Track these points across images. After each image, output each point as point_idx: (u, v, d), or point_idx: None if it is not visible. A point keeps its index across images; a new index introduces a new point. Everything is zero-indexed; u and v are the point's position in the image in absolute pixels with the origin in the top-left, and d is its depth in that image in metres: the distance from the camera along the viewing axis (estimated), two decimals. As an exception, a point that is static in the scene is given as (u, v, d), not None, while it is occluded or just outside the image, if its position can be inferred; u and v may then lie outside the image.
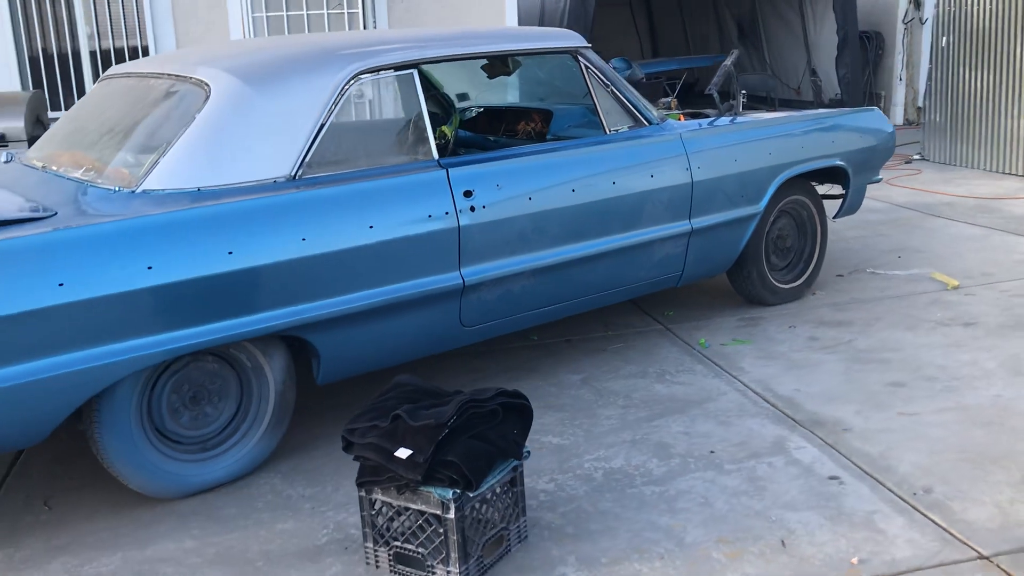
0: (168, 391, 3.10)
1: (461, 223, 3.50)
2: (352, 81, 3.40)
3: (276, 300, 3.10)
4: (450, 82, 4.88)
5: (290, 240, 3.10)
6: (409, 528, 2.54)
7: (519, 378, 4.06)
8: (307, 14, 6.94)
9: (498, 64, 4.50)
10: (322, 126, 3.32)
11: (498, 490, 2.60)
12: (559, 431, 3.52)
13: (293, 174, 3.25)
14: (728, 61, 4.79)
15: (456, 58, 3.78)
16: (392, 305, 3.37)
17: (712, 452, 3.29)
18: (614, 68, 8.93)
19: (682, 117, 4.87)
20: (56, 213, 2.94)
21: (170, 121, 3.27)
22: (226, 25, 7.04)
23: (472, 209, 3.53)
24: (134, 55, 6.97)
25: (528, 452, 2.69)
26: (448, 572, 2.50)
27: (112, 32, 6.94)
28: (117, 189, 3.10)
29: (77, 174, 3.30)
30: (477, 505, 2.53)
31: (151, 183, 3.09)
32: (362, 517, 2.61)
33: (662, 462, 3.23)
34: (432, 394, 2.71)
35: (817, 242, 5.04)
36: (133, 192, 3.07)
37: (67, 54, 6.82)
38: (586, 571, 2.58)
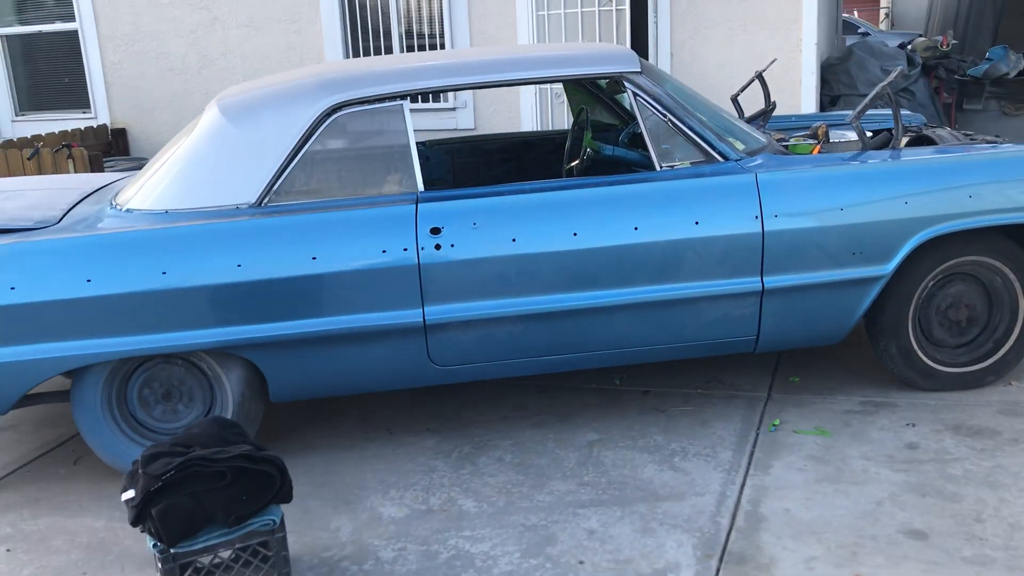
0: (139, 385, 3.54)
1: (422, 261, 3.38)
2: (331, 113, 3.46)
3: (211, 320, 3.34)
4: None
5: (225, 265, 3.31)
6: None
7: (535, 424, 3.80)
8: (581, 11, 6.88)
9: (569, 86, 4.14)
10: (293, 156, 3.44)
11: (224, 553, 2.59)
12: (482, 496, 3.27)
13: (258, 201, 3.43)
14: (891, 79, 3.77)
15: (467, 87, 3.60)
16: (340, 336, 3.41)
17: (581, 563, 2.83)
18: (988, 58, 7.43)
19: (817, 149, 4.00)
20: (55, 224, 3.50)
21: (176, 148, 3.65)
22: (514, 23, 7.28)
23: (437, 247, 3.39)
24: (433, 48, 7.57)
25: (272, 521, 2.62)
26: (171, 619, 2.58)
27: (415, 32, 7.60)
28: (114, 206, 3.58)
29: (124, 192, 3.82)
30: (202, 562, 2.55)
31: (134, 203, 3.51)
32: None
33: (518, 558, 2.87)
34: (224, 440, 2.75)
35: (1019, 318, 3.83)
36: (123, 210, 3.52)
37: (382, 53, 7.63)
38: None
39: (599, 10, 6.74)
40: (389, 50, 7.59)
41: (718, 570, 2.74)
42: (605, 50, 3.71)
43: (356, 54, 7.68)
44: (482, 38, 7.31)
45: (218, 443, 2.71)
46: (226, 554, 2.60)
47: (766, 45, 6.78)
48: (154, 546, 2.51)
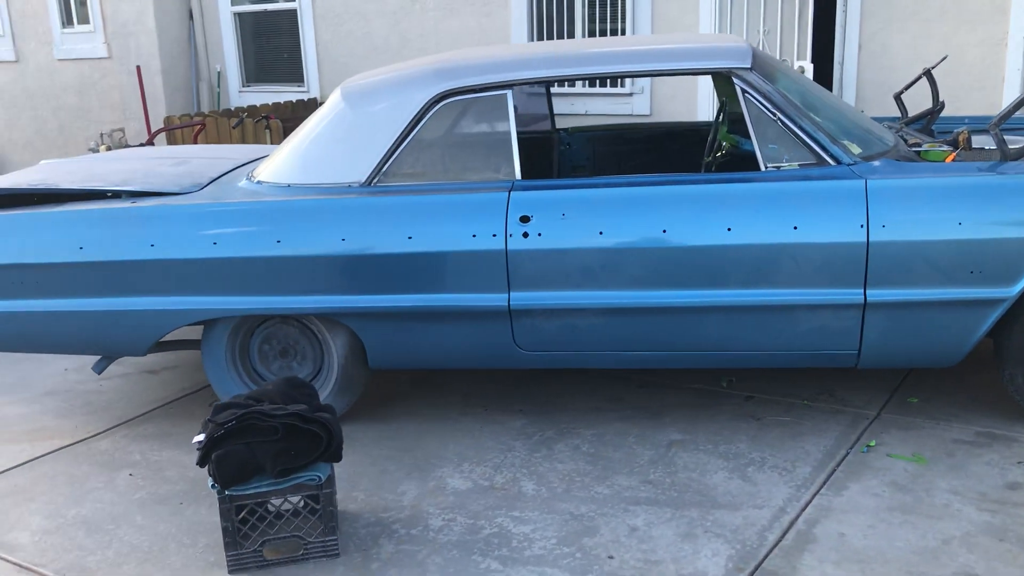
0: (260, 341, 3.89)
1: (509, 247, 3.49)
2: (438, 101, 3.62)
3: (317, 288, 3.61)
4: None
5: (331, 238, 3.57)
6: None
7: (623, 418, 3.82)
8: (764, -3, 6.63)
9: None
10: (402, 140, 3.64)
11: (276, 502, 2.84)
12: (544, 480, 3.36)
13: (367, 181, 3.67)
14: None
15: (572, 78, 3.65)
16: (431, 313, 3.59)
17: (611, 557, 2.85)
18: None
19: (951, 157, 3.70)
20: (197, 191, 3.89)
21: (306, 126, 3.95)
22: (697, 8, 7.13)
23: (525, 235, 3.48)
24: (614, 34, 7.53)
25: (318, 477, 2.83)
26: (228, 555, 2.87)
27: (598, 16, 7.62)
28: (250, 178, 3.93)
29: (261, 165, 4.16)
30: (256, 506, 2.83)
31: (264, 176, 3.85)
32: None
33: (553, 544, 2.93)
34: (290, 399, 3.01)
35: None
36: (255, 182, 3.87)
37: (564, 37, 7.72)
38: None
39: (783, -4, 6.48)
40: (572, 35, 7.67)
41: (744, 584, 2.68)
42: (717, 44, 3.63)
43: (540, 37, 7.83)
44: (664, 22, 7.24)
45: (284, 400, 2.96)
46: (277, 502, 2.85)
47: (966, 39, 6.26)
48: (212, 486, 2.80)
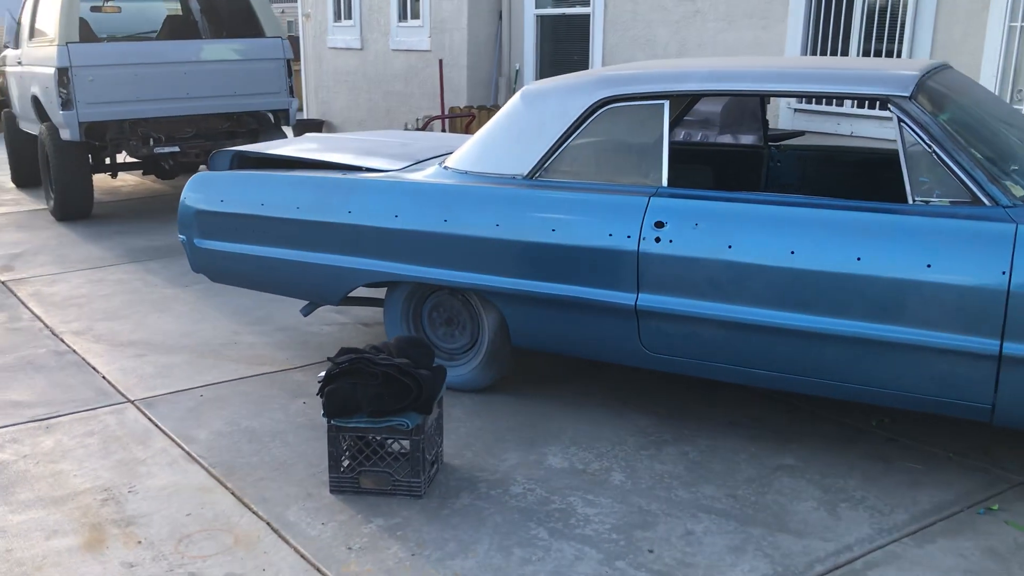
0: (430, 308, 4.38)
1: (641, 250, 3.67)
2: (600, 106, 3.86)
3: (471, 266, 4.00)
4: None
5: (487, 223, 3.95)
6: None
7: (750, 437, 3.83)
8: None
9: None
10: (565, 140, 3.93)
11: (377, 437, 3.28)
12: (634, 475, 3.50)
13: (529, 174, 4.00)
14: None
15: (726, 93, 3.71)
16: (565, 302, 3.85)
17: (651, 551, 2.97)
18: None
19: None
20: (397, 170, 4.43)
21: (490, 121, 4.34)
22: (983, 32, 6.60)
23: (657, 240, 3.64)
24: (890, 56, 7.10)
25: (406, 423, 3.21)
26: (330, 476, 3.37)
27: (875, 36, 7.26)
28: (441, 163, 4.40)
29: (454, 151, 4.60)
30: (358, 439, 3.30)
31: (450, 162, 4.30)
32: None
33: (606, 529, 3.09)
34: (405, 354, 3.43)
35: None
36: (442, 167, 4.34)
37: (837, 53, 7.45)
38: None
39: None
40: (846, 52, 7.42)
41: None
42: (881, 71, 3.51)
43: (814, 53, 7.64)
44: (946, 45, 6.80)
45: (399, 355, 3.39)
46: (376, 439, 3.28)
47: None
48: (323, 415, 3.30)
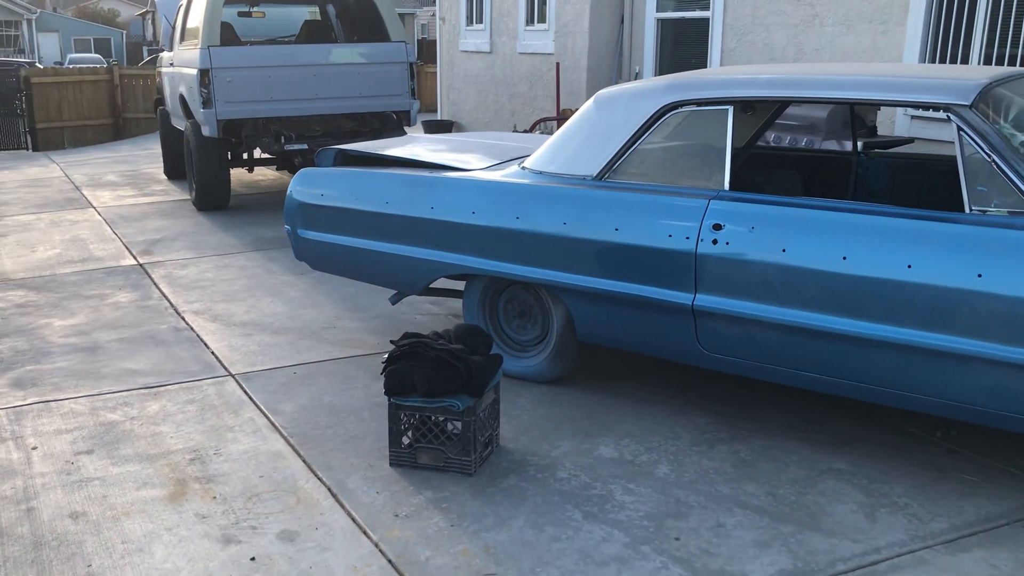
0: (504, 301, 4.61)
1: (699, 251, 3.78)
2: (667, 111, 3.98)
3: (539, 261, 4.20)
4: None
5: (554, 221, 4.14)
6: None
7: (804, 440, 3.87)
8: None
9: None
10: (633, 142, 4.07)
11: (436, 418, 3.52)
12: (680, 469, 3.62)
13: (599, 175, 4.16)
14: None
15: (794, 100, 3.76)
16: (627, 299, 4.00)
17: (677, 539, 3.09)
18: None
19: None
20: (478, 169, 4.67)
21: (566, 124, 4.52)
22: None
23: (715, 242, 3.74)
24: (1014, 63, 6.79)
25: (456, 405, 3.44)
26: (390, 450, 3.64)
27: (997, 41, 6.99)
28: (520, 164, 4.62)
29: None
30: (413, 416, 3.56)
31: (527, 163, 4.50)
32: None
33: (639, 516, 3.23)
34: (463, 341, 3.66)
35: None
36: (520, 167, 4.55)
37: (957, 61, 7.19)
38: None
39: None
40: (967, 58, 7.19)
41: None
42: (943, 79, 3.49)
43: (933, 59, 7.44)
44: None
45: (457, 342, 3.63)
46: (433, 418, 3.53)
47: None
48: (384, 393, 3.57)
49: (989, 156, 3.29)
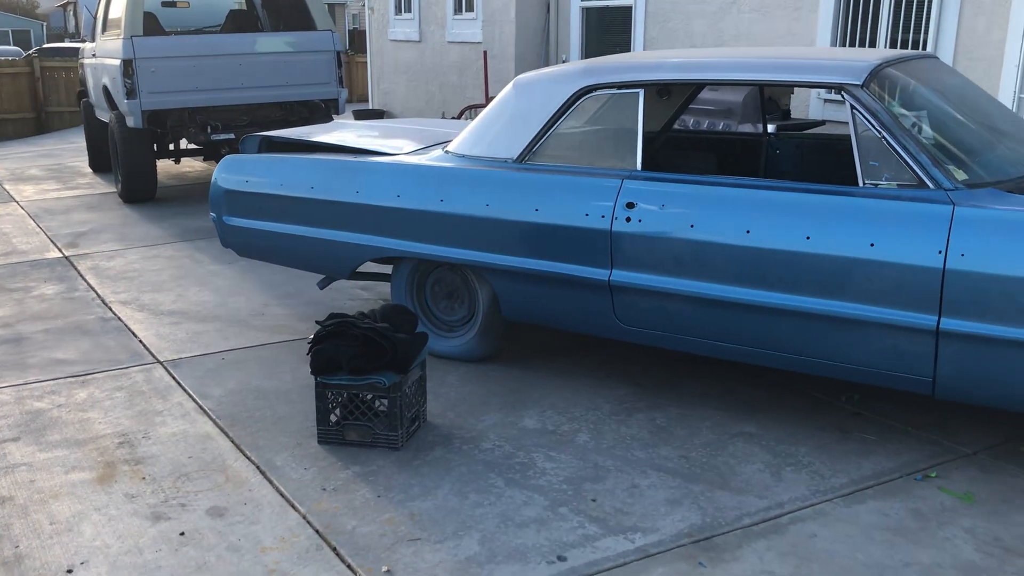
0: (432, 282, 4.71)
1: (614, 229, 3.93)
2: (582, 95, 4.13)
3: (463, 242, 4.31)
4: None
5: (478, 202, 4.26)
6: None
7: (719, 407, 4.06)
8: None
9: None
10: (551, 125, 4.21)
11: (365, 396, 3.61)
12: (599, 437, 3.78)
13: (519, 158, 4.29)
14: None
15: (699, 82, 3.93)
16: (547, 277, 4.14)
17: (594, 500, 3.25)
18: None
19: None
20: (402, 154, 4.77)
21: (486, 109, 4.64)
22: (1006, 23, 6.61)
23: (628, 220, 3.90)
24: (916, 47, 7.13)
25: (382, 382, 3.54)
26: (318, 428, 3.73)
27: (902, 27, 7.30)
28: (443, 148, 4.72)
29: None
30: (338, 394, 3.65)
31: (450, 146, 4.61)
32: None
33: (558, 480, 3.38)
34: (388, 319, 3.77)
35: None
36: (443, 151, 4.65)
37: (865, 44, 7.53)
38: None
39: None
40: (874, 42, 7.50)
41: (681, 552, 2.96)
42: (836, 60, 3.70)
43: (843, 43, 7.73)
44: (970, 36, 6.84)
45: (383, 321, 3.73)
46: (360, 396, 3.62)
47: None
48: (311, 373, 3.65)
49: (879, 133, 3.50)
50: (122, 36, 8.35)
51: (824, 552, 2.93)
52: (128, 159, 8.80)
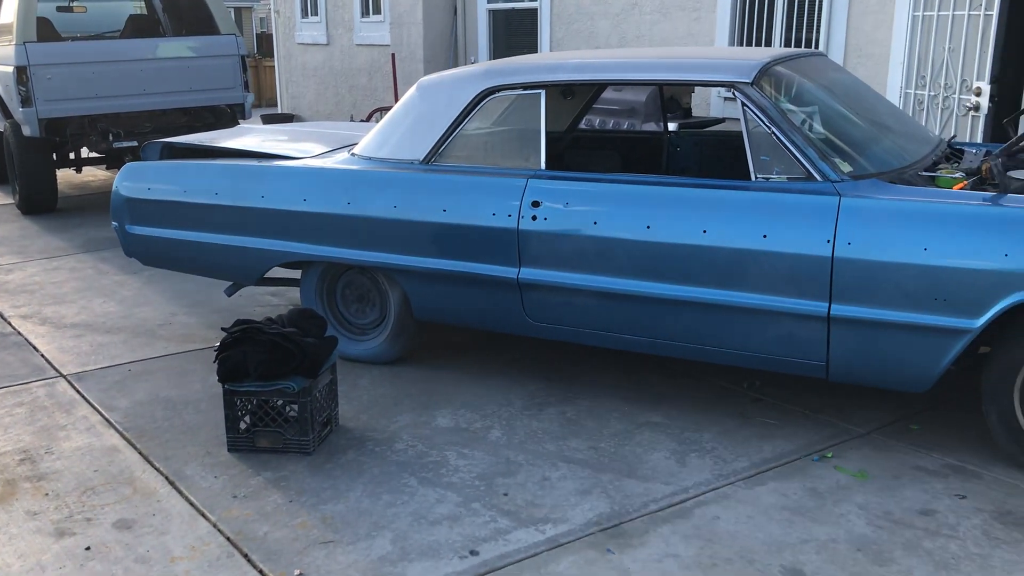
0: (342, 286, 4.70)
1: (521, 227, 3.99)
2: (485, 96, 4.18)
3: (372, 245, 4.33)
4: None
5: (386, 205, 4.27)
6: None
7: (626, 399, 4.15)
8: (952, 15, 6.31)
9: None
10: (456, 126, 4.25)
11: (275, 402, 3.59)
12: (511, 432, 3.84)
13: (425, 159, 4.32)
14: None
15: (597, 83, 4.03)
16: (457, 276, 4.18)
17: (505, 495, 3.31)
18: None
19: (961, 185, 3.60)
20: (309, 157, 4.75)
21: (391, 111, 4.66)
22: (891, 23, 6.92)
23: (534, 218, 3.96)
24: (809, 46, 7.43)
25: (291, 387, 3.54)
26: (228, 436, 3.69)
27: (795, 26, 7.58)
28: (349, 151, 4.72)
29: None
30: (246, 403, 3.62)
31: (356, 149, 4.62)
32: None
33: (471, 477, 3.43)
34: (296, 324, 3.76)
35: None
36: (350, 154, 4.65)
37: (761, 44, 7.80)
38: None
39: (968, 14, 6.19)
40: (770, 41, 7.75)
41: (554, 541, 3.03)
42: (726, 59, 3.84)
43: (740, 42, 7.97)
44: (859, 35, 7.13)
45: (291, 326, 3.72)
46: (270, 402, 3.60)
47: None
48: (218, 381, 3.62)
49: (769, 128, 3.64)
50: (14, 42, 8.08)
51: (726, 533, 3.04)
52: (26, 169, 8.53)
